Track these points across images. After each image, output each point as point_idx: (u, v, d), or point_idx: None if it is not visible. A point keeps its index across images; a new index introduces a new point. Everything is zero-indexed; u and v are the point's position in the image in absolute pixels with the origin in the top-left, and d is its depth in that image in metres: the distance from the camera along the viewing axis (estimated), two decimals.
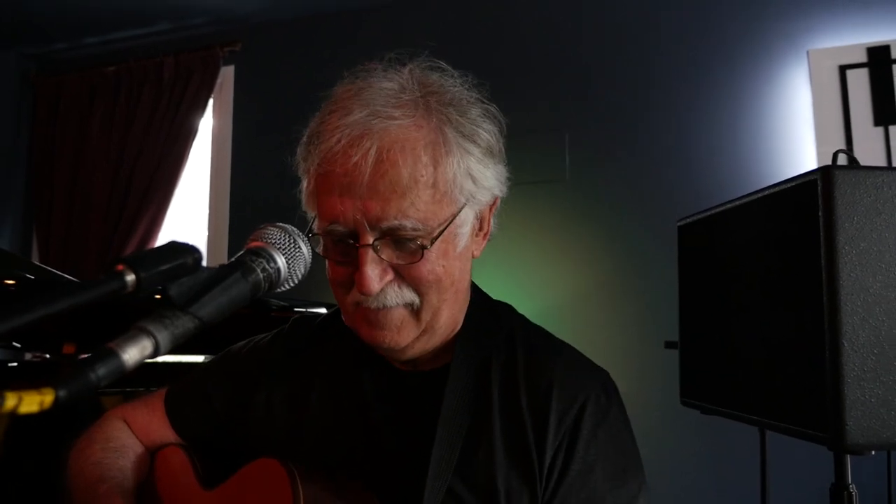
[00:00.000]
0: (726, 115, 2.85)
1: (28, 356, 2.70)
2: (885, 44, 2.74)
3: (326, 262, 0.85)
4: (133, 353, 0.53)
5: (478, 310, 0.95)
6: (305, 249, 0.72)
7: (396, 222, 0.78)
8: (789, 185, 0.98)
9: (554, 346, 0.94)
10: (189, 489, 0.97)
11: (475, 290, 0.98)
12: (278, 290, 0.72)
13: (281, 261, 0.69)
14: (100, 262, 3.47)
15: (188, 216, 3.73)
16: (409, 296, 0.83)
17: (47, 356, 2.98)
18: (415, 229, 0.78)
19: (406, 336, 0.85)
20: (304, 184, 0.87)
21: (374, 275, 0.79)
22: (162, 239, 3.52)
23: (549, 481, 0.83)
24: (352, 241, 0.80)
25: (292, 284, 0.72)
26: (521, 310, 1.00)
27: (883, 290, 0.89)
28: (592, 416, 0.85)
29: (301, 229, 0.75)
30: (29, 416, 0.46)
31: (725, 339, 1.16)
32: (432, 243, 0.80)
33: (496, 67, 3.05)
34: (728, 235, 1.16)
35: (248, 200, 3.46)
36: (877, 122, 2.78)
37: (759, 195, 1.06)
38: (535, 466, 0.83)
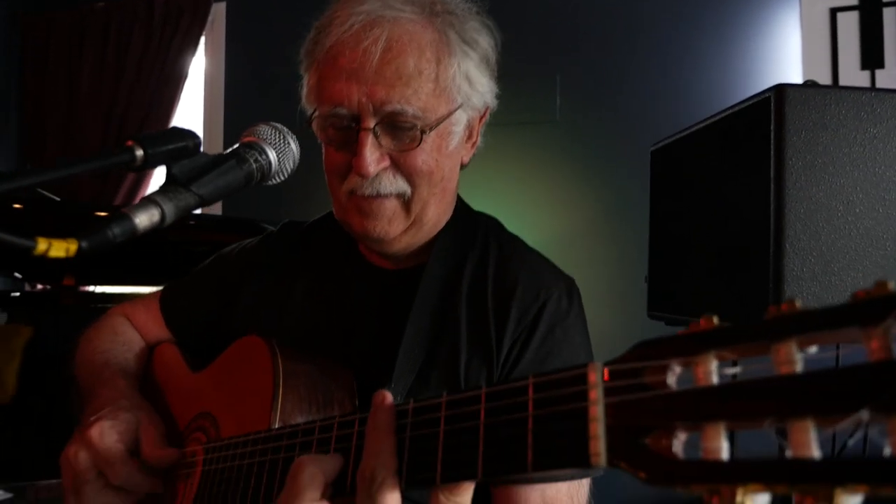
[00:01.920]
0: (716, 58, 2.88)
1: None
2: None
3: (324, 153, 0.91)
4: (143, 219, 0.61)
5: (460, 216, 1.01)
6: (294, 146, 0.78)
7: (399, 107, 0.83)
8: (747, 103, 1.05)
9: (526, 251, 1.00)
10: (181, 376, 1.05)
11: (459, 199, 1.04)
12: (269, 183, 0.79)
13: (272, 155, 0.76)
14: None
15: None
16: (402, 185, 0.88)
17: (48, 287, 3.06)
18: (415, 116, 0.84)
19: (396, 227, 0.90)
20: (306, 80, 0.91)
21: (373, 158, 0.84)
22: (154, 183, 3.57)
23: (504, 369, 0.90)
24: (354, 126, 0.85)
25: (281, 178, 0.79)
26: None
27: (825, 199, 0.97)
28: (551, 315, 0.91)
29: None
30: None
31: (687, 253, 1.25)
32: (429, 131, 0.86)
33: (489, 9, 3.06)
34: (694, 156, 1.23)
35: None
36: (864, 66, 2.82)
37: (723, 115, 1.13)
38: (493, 355, 0.89)
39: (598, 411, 0.41)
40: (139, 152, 0.60)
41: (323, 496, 0.54)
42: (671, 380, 0.39)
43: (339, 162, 0.89)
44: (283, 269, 1.05)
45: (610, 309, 2.65)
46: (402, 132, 0.85)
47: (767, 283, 0.97)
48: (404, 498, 0.53)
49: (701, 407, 0.37)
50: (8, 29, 3.92)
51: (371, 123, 0.84)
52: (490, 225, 1.03)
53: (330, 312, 0.99)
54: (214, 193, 0.68)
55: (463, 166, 1.01)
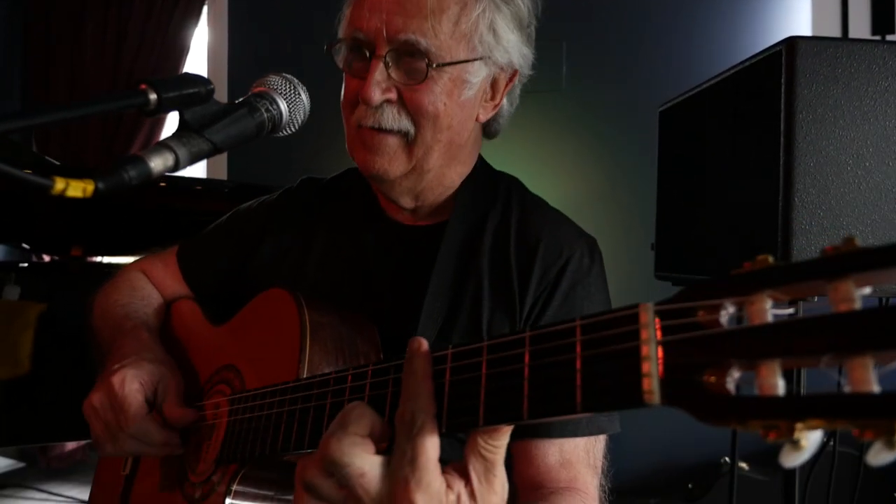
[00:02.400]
0: (726, 24, 2.84)
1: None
2: None
3: (342, 89, 0.92)
4: (158, 163, 0.61)
5: (481, 174, 1.02)
6: (305, 98, 0.79)
7: (412, 37, 0.84)
8: (758, 57, 1.04)
9: (548, 210, 1.01)
10: (201, 329, 1.06)
11: (481, 159, 1.04)
12: (280, 134, 0.79)
13: (283, 105, 0.76)
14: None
15: None
16: (406, 124, 0.88)
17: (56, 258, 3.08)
18: (427, 51, 0.85)
19: (396, 167, 0.90)
20: (344, 13, 0.93)
21: (378, 86, 0.85)
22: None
23: (525, 325, 0.91)
24: (367, 53, 0.87)
25: (292, 130, 0.79)
26: None
27: (835, 153, 0.97)
28: (574, 273, 0.92)
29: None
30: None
31: (695, 211, 1.25)
32: (440, 71, 0.86)
33: None
34: (703, 115, 1.23)
35: None
36: (874, 32, 2.79)
37: (732, 71, 1.12)
38: (515, 311, 0.91)
39: (650, 350, 0.40)
40: (152, 96, 0.61)
41: (370, 435, 0.55)
42: (724, 319, 0.39)
43: (352, 90, 0.90)
44: (303, 223, 1.06)
45: (616, 275, 2.65)
46: (412, 65, 0.86)
47: (776, 237, 0.97)
48: (443, 442, 0.53)
49: (757, 344, 0.37)
50: (10, 3, 3.88)
51: (383, 51, 0.85)
52: (512, 183, 1.04)
53: (350, 267, 1.00)
54: (227, 141, 0.68)
55: (488, 135, 1.02)
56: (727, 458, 2.31)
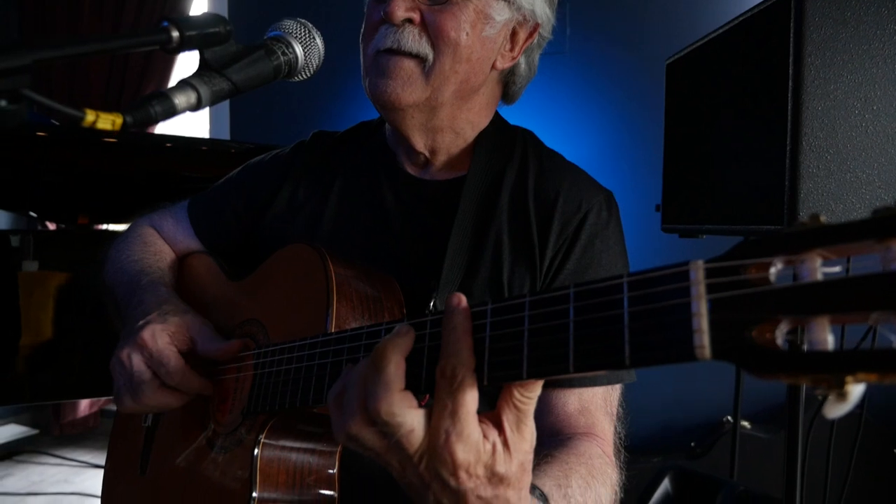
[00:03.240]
0: None
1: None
2: None
3: (364, 23, 0.93)
4: (181, 100, 0.63)
5: (497, 128, 1.02)
6: (320, 43, 0.79)
7: None
8: (766, 3, 1.04)
9: (565, 163, 1.02)
10: (219, 284, 1.06)
11: (497, 115, 1.04)
12: (295, 79, 0.80)
13: (298, 49, 0.77)
14: None
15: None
16: (426, 48, 0.88)
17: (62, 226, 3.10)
18: None
19: (410, 93, 0.89)
20: None
21: (403, 3, 0.86)
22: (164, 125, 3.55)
23: (546, 278, 0.92)
24: None
25: (307, 75, 0.80)
26: None
27: (843, 97, 0.98)
28: (592, 226, 0.93)
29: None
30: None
31: (702, 162, 1.26)
32: None
33: None
34: (711, 65, 1.23)
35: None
36: None
37: (741, 19, 1.12)
38: (536, 264, 0.92)
39: (701, 306, 0.41)
40: (175, 34, 0.61)
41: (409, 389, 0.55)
42: (773, 277, 0.39)
43: (372, 20, 0.91)
44: (318, 176, 1.06)
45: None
46: None
47: (783, 181, 0.99)
48: (482, 395, 0.54)
49: (808, 301, 0.37)
50: None
51: None
52: (528, 137, 1.05)
53: (368, 221, 1.00)
54: (246, 82, 0.69)
55: (507, 98, 1.03)
56: (729, 418, 2.35)
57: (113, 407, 3.87)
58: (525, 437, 0.55)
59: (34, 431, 3.64)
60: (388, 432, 0.54)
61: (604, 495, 0.76)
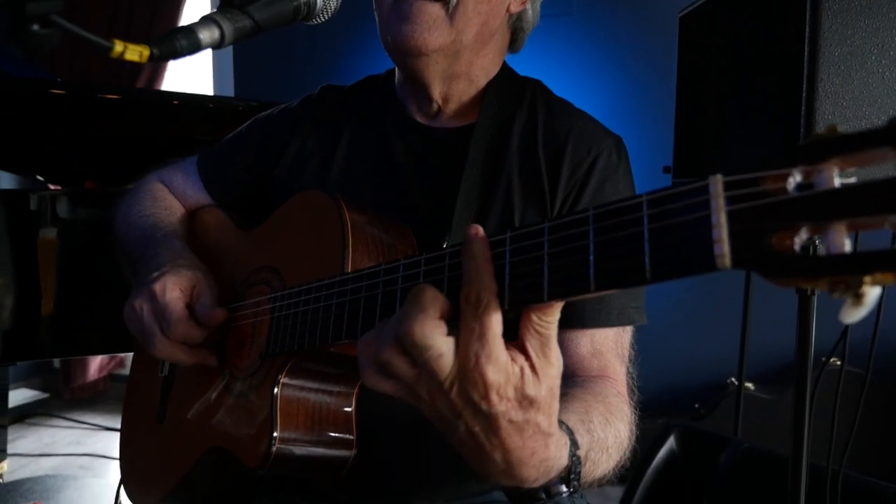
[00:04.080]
0: None
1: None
2: None
3: None
4: (206, 35, 0.63)
5: (506, 76, 1.02)
6: None
7: None
8: None
9: (574, 109, 1.02)
10: (231, 235, 1.07)
11: (506, 63, 1.04)
12: (313, 21, 0.80)
13: None
14: None
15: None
16: None
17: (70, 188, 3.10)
18: None
19: (436, 37, 0.89)
20: None
21: None
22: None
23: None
24: None
25: (325, 18, 0.80)
26: None
27: (860, 43, 0.97)
28: (602, 171, 0.94)
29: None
30: None
31: (716, 113, 1.26)
32: None
33: None
34: (726, 15, 1.22)
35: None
36: None
37: None
38: (546, 208, 0.93)
39: (721, 217, 0.41)
40: None
41: (442, 317, 0.55)
42: (790, 187, 0.40)
43: None
44: (326, 128, 1.06)
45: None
46: None
47: (798, 128, 0.99)
48: (505, 321, 0.55)
49: (826, 207, 0.38)
50: None
51: None
52: (537, 85, 1.05)
53: (377, 169, 1.01)
54: (267, 20, 0.69)
55: (513, 46, 1.03)
56: (733, 379, 2.38)
57: (122, 371, 3.93)
58: (552, 362, 0.55)
59: (45, 395, 3.68)
60: (420, 359, 0.54)
61: (623, 431, 0.78)
